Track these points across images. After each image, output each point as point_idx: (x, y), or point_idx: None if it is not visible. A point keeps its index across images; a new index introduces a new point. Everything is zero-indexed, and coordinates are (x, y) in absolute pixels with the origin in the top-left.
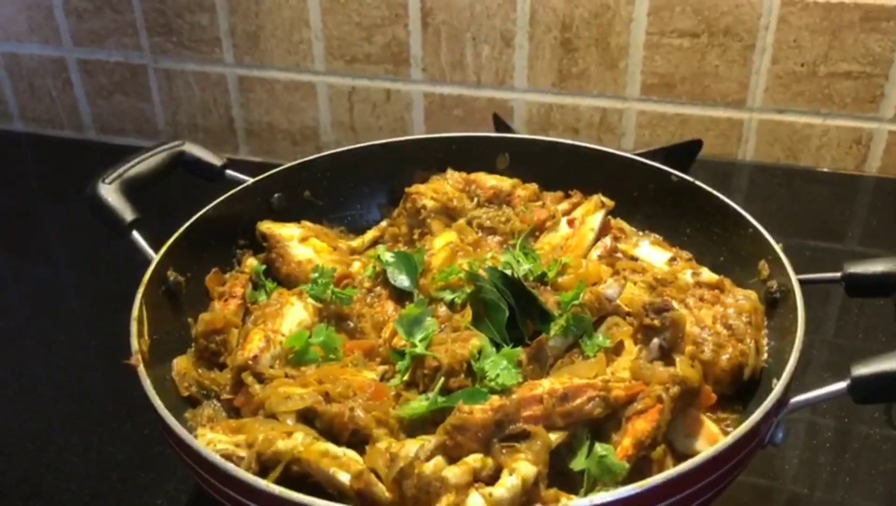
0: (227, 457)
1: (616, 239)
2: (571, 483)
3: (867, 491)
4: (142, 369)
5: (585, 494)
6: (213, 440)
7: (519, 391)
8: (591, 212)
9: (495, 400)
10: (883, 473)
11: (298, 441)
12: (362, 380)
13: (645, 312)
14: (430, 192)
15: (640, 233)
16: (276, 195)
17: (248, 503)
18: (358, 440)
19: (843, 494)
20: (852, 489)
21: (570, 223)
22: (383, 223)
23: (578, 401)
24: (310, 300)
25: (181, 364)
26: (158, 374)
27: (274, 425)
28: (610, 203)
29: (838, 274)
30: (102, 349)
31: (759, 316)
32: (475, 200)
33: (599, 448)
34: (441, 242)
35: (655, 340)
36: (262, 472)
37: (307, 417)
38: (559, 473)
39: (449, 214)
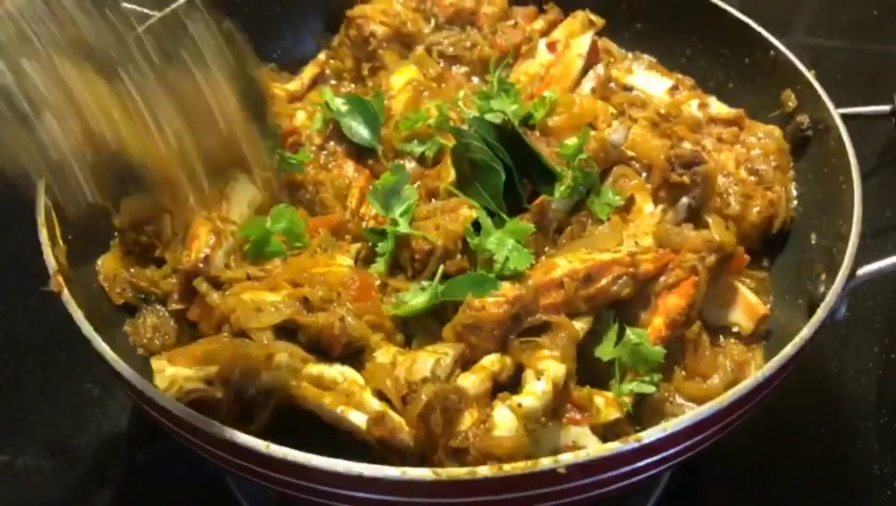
0: (202, 402)
1: (606, 66)
2: (596, 372)
3: (867, 327)
4: (67, 295)
5: (619, 385)
6: (176, 379)
7: (534, 276)
8: (578, 33)
9: (509, 290)
10: (881, 302)
11: (283, 364)
12: (341, 274)
13: (671, 167)
14: (379, 15)
15: (631, 55)
16: None
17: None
18: (350, 352)
19: (844, 330)
20: (853, 327)
21: (551, 47)
22: (321, 56)
23: (604, 282)
24: (256, 170)
25: (108, 265)
26: (83, 283)
27: (248, 347)
28: (600, 21)
29: (888, 107)
30: None
31: (785, 157)
32: (432, 21)
33: (632, 335)
34: (400, 81)
35: (684, 200)
36: (242, 410)
37: (286, 328)
38: (581, 360)
39: (403, 42)
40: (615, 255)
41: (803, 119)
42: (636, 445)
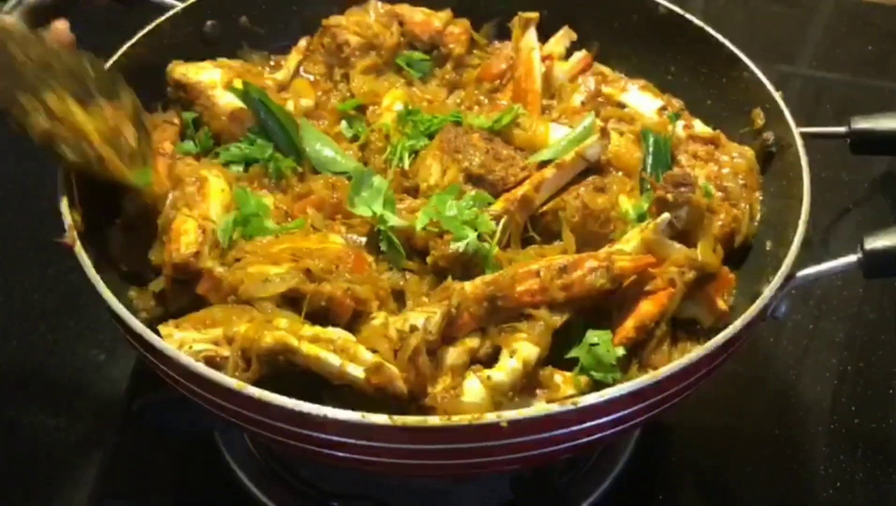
0: (212, 361)
1: (599, 83)
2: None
3: (828, 341)
4: (80, 249)
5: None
6: (185, 340)
7: (514, 266)
8: (521, 32)
9: (487, 276)
10: (843, 318)
11: (283, 326)
12: (337, 249)
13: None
14: (353, 25)
15: (625, 77)
16: (209, 23)
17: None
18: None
19: (806, 341)
20: (815, 339)
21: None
22: (302, 42)
23: (579, 273)
24: (233, 168)
25: (120, 234)
26: (96, 248)
27: (251, 313)
28: (533, 15)
29: (843, 129)
30: (18, 180)
31: (755, 176)
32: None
33: (591, 336)
34: (388, 101)
35: (666, 215)
36: (247, 367)
37: (289, 299)
38: (556, 363)
39: (375, 51)
40: (593, 252)
41: (769, 136)
42: (573, 407)
